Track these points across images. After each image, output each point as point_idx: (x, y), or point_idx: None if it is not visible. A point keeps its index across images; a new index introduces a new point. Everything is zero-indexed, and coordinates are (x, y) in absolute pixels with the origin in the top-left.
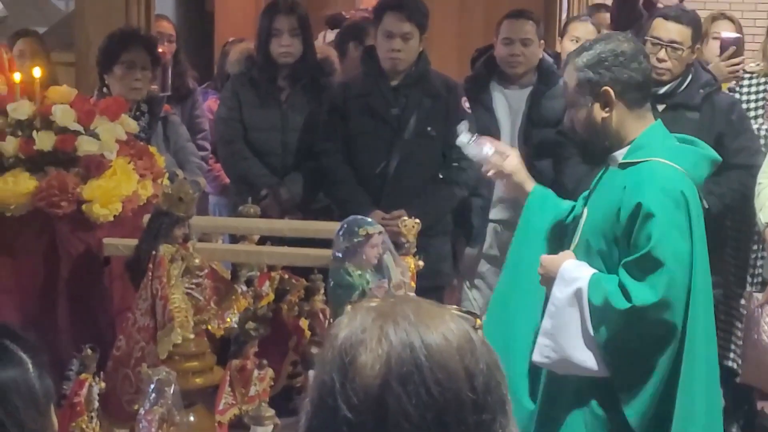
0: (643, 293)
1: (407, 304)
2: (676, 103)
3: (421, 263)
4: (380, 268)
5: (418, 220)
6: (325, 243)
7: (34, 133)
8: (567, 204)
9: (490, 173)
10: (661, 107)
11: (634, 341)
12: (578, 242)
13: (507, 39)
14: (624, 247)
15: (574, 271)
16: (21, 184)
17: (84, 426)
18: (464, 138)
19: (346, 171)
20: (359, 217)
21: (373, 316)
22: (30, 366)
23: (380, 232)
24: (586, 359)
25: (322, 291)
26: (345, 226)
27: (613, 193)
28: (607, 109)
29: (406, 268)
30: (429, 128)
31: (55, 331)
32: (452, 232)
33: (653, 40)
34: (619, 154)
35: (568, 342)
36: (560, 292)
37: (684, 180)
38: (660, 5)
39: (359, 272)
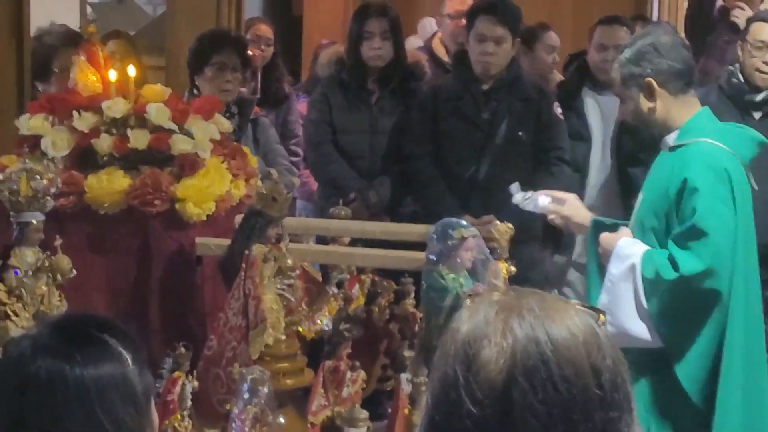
0: (690, 262)
1: (531, 297)
2: None
3: (513, 269)
4: (474, 271)
5: (510, 225)
6: (415, 246)
7: (129, 131)
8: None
9: (555, 221)
10: (757, 114)
11: (683, 309)
12: (634, 222)
13: (600, 45)
14: (673, 221)
15: (628, 248)
16: (115, 182)
17: (176, 425)
18: (519, 197)
19: (435, 175)
20: (454, 219)
21: (496, 309)
22: (129, 362)
23: (475, 236)
24: (640, 331)
25: (413, 294)
26: (439, 228)
27: (664, 174)
28: (651, 99)
29: (499, 272)
30: (520, 133)
31: (146, 330)
32: (542, 239)
33: (757, 43)
34: (670, 138)
35: (624, 315)
36: (615, 268)
37: (729, 158)
38: (735, 16)
39: (453, 275)
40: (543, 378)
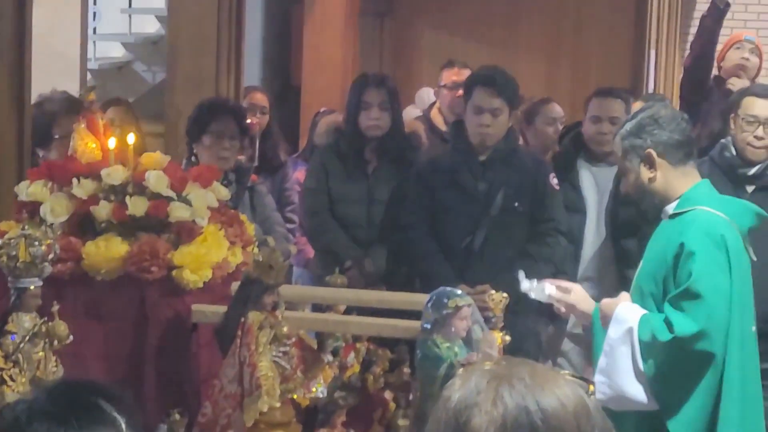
0: (684, 324)
1: (522, 366)
2: (766, 185)
3: (508, 338)
4: (469, 340)
5: (506, 294)
6: (410, 315)
7: (127, 198)
8: None
9: (560, 309)
10: (750, 188)
11: (677, 371)
12: (633, 288)
13: (595, 117)
14: (670, 285)
15: (627, 313)
16: (113, 249)
17: None
18: (525, 285)
19: (432, 245)
20: (449, 288)
21: (487, 378)
22: (123, 426)
23: (470, 305)
24: (637, 393)
25: (408, 363)
26: (434, 297)
27: (663, 240)
28: (652, 169)
29: (494, 342)
30: (516, 204)
31: (142, 397)
32: (537, 309)
33: (748, 118)
34: (670, 207)
35: (621, 377)
36: (614, 332)
37: (727, 226)
38: (730, 84)
39: (447, 344)
40: None
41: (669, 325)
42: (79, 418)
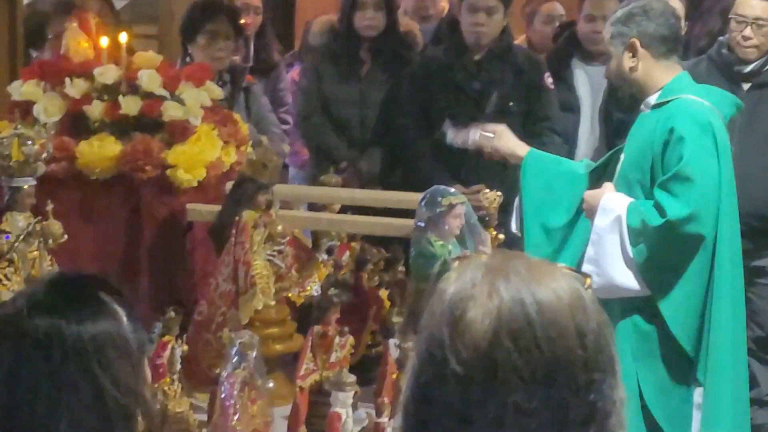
0: (676, 207)
1: (518, 259)
2: (761, 83)
3: (501, 236)
4: (462, 238)
5: (500, 193)
6: (405, 214)
7: (120, 97)
8: (568, 161)
9: (492, 155)
10: (746, 86)
11: (670, 254)
12: (617, 178)
13: (589, 16)
14: (659, 171)
15: (614, 202)
16: (106, 148)
17: (166, 388)
18: (450, 134)
19: (426, 146)
20: (442, 187)
21: (483, 271)
22: (124, 319)
23: (463, 203)
24: (627, 280)
25: (402, 262)
26: (428, 196)
27: (647, 130)
28: (634, 59)
29: (487, 240)
30: (511, 104)
31: (137, 295)
32: None
33: (738, 17)
34: (652, 99)
35: (611, 265)
36: (601, 221)
37: (712, 113)
38: None
39: (441, 242)
40: (527, 339)
41: (659, 209)
42: (80, 310)
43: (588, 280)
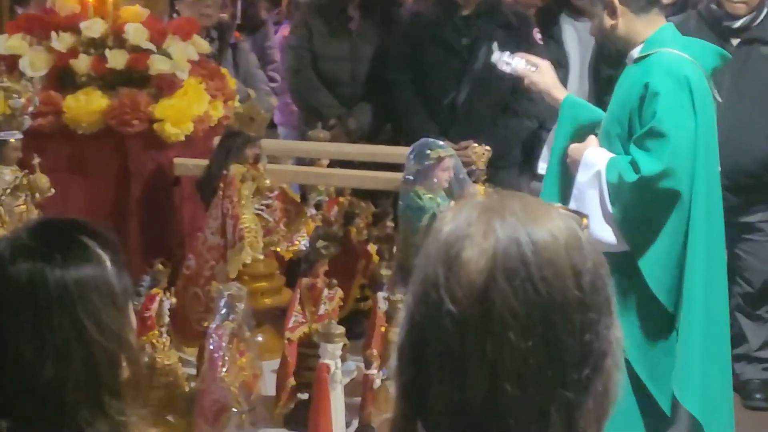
0: (649, 163)
1: (514, 199)
2: (751, 38)
3: (490, 191)
4: (451, 191)
5: (488, 147)
6: (394, 169)
7: (107, 51)
8: (602, 112)
9: (530, 87)
10: (735, 41)
11: (645, 210)
12: (602, 132)
13: None
14: (636, 126)
15: (595, 157)
16: (93, 102)
17: (154, 340)
18: (496, 56)
19: (415, 101)
20: (431, 139)
21: (479, 211)
22: (108, 263)
23: (452, 156)
24: (607, 235)
25: (391, 216)
26: (416, 148)
27: (628, 84)
28: (614, 16)
29: (476, 194)
30: None
31: (125, 251)
32: (520, 165)
33: None
34: (635, 52)
35: (591, 220)
36: (582, 176)
37: (690, 66)
38: None
39: (430, 195)
40: (523, 279)
41: (635, 165)
42: (63, 254)
43: (585, 221)
